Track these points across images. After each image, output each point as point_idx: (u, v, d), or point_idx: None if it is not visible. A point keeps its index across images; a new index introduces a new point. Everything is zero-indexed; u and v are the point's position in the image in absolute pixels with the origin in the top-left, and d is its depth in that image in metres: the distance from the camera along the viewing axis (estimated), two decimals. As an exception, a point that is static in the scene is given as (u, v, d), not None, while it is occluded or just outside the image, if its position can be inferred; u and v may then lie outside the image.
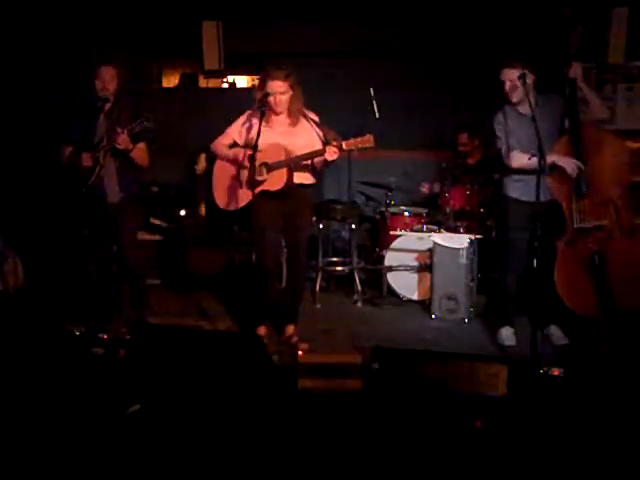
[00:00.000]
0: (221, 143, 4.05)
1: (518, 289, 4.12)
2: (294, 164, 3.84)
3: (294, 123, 3.89)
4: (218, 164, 4.10)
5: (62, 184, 4.35)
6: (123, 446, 2.76)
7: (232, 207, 4.00)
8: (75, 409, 3.03)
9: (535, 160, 3.53)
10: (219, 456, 2.69)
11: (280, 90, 3.78)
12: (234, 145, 4.02)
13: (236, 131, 4.01)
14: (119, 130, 3.96)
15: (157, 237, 5.54)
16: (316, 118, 3.94)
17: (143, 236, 5.19)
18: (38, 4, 5.56)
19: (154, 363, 3.17)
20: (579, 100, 3.83)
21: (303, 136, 3.89)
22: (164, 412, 2.97)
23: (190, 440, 2.76)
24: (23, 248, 4.53)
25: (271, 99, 3.79)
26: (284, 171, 3.83)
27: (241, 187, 3.96)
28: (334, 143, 3.68)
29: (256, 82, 3.91)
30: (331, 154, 3.69)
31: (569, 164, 3.76)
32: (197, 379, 3.06)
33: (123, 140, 3.98)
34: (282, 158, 3.82)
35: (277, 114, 3.86)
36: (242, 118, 4.01)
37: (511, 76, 3.85)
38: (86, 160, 4.09)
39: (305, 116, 3.91)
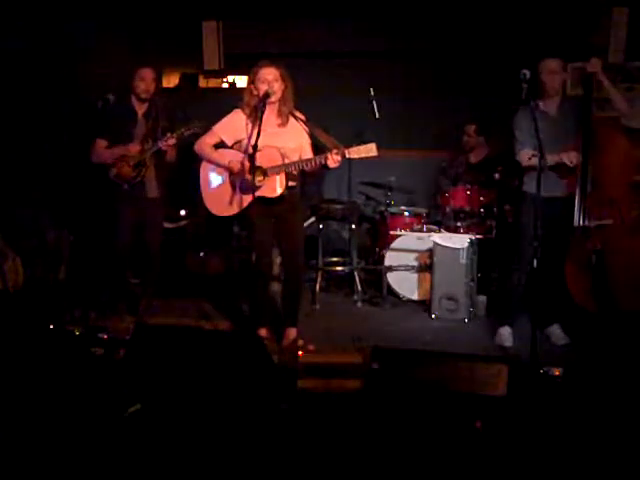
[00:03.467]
0: (206, 142, 3.88)
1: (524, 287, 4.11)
2: (291, 170, 3.74)
3: (284, 123, 3.82)
4: (204, 167, 3.93)
5: (95, 178, 4.49)
6: (123, 446, 2.76)
7: (226, 213, 3.87)
8: (75, 409, 3.02)
9: (535, 160, 3.53)
10: (219, 456, 2.69)
11: (271, 77, 3.70)
12: (220, 145, 3.90)
13: (224, 130, 3.87)
14: (169, 134, 4.18)
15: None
16: (303, 117, 3.87)
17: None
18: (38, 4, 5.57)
19: (154, 363, 3.17)
20: (602, 98, 3.83)
21: (293, 137, 3.83)
22: (164, 412, 2.97)
23: (190, 440, 2.76)
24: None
25: (263, 85, 3.69)
26: (282, 177, 3.73)
27: (234, 191, 3.82)
28: (335, 151, 3.58)
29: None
30: (333, 162, 3.60)
31: (568, 156, 3.77)
32: (197, 379, 3.06)
33: (170, 145, 4.21)
34: (278, 162, 3.71)
35: (272, 102, 3.75)
36: (230, 117, 3.88)
37: (553, 67, 3.83)
38: (134, 148, 4.27)
39: (294, 116, 3.84)
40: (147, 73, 4.30)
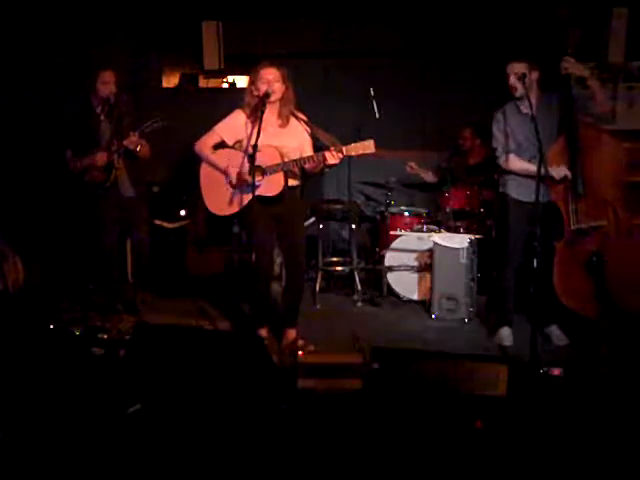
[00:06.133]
0: (206, 143, 3.88)
1: (516, 287, 4.12)
2: (290, 168, 3.75)
3: (284, 124, 3.83)
4: (205, 167, 3.93)
5: (69, 182, 4.52)
6: (123, 446, 2.76)
7: (226, 212, 3.87)
8: (75, 409, 3.02)
9: (534, 162, 3.54)
10: (219, 456, 2.69)
11: (272, 77, 3.71)
12: (221, 145, 3.90)
13: (225, 130, 3.87)
14: (132, 133, 4.17)
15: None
16: (304, 118, 3.87)
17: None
18: (38, 5, 5.56)
19: (154, 363, 3.17)
20: (584, 96, 3.83)
21: (294, 137, 3.84)
22: (164, 412, 2.97)
23: (190, 440, 2.76)
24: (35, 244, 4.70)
25: (264, 85, 3.70)
26: (280, 175, 3.74)
27: (233, 190, 3.82)
28: (333, 148, 3.59)
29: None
30: (332, 158, 3.60)
31: (555, 172, 3.79)
32: (197, 379, 3.06)
33: (133, 142, 4.19)
34: (277, 161, 3.71)
35: (272, 102, 3.75)
36: (231, 117, 3.89)
37: (517, 69, 3.84)
38: (101, 159, 4.26)
39: (295, 116, 3.85)
40: (109, 76, 4.29)
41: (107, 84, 4.27)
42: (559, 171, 3.81)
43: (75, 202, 4.82)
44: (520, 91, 3.85)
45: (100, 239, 4.48)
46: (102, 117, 4.36)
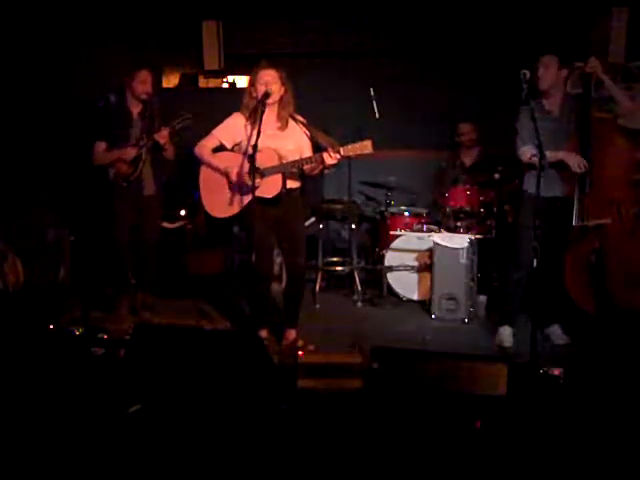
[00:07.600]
0: (206, 146, 3.88)
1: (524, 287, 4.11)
2: (288, 170, 3.75)
3: (283, 127, 3.82)
4: (204, 170, 3.93)
5: (94, 177, 4.56)
6: (123, 446, 2.76)
7: (225, 214, 3.87)
8: (75, 409, 3.02)
9: (535, 159, 3.53)
10: (219, 456, 2.69)
11: (270, 78, 3.71)
12: (220, 148, 3.90)
13: (223, 133, 3.88)
14: (163, 127, 4.27)
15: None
16: (303, 120, 3.87)
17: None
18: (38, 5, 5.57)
19: (154, 363, 3.17)
20: (601, 97, 3.84)
21: (293, 140, 3.84)
22: (164, 412, 2.97)
23: (190, 440, 2.76)
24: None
25: (262, 87, 3.70)
26: (278, 177, 3.73)
27: (232, 192, 3.83)
28: (331, 149, 3.59)
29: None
30: (330, 159, 3.61)
31: (573, 160, 3.78)
32: (197, 379, 3.06)
33: (164, 136, 4.28)
34: (275, 163, 3.71)
35: (271, 104, 3.75)
36: (229, 120, 3.89)
37: (548, 62, 3.84)
38: (130, 153, 4.32)
39: (294, 119, 3.85)
40: (147, 76, 4.37)
41: (145, 83, 4.34)
42: (574, 159, 3.77)
43: (90, 200, 4.85)
44: (547, 82, 3.84)
45: (115, 237, 4.47)
46: (135, 115, 4.41)
